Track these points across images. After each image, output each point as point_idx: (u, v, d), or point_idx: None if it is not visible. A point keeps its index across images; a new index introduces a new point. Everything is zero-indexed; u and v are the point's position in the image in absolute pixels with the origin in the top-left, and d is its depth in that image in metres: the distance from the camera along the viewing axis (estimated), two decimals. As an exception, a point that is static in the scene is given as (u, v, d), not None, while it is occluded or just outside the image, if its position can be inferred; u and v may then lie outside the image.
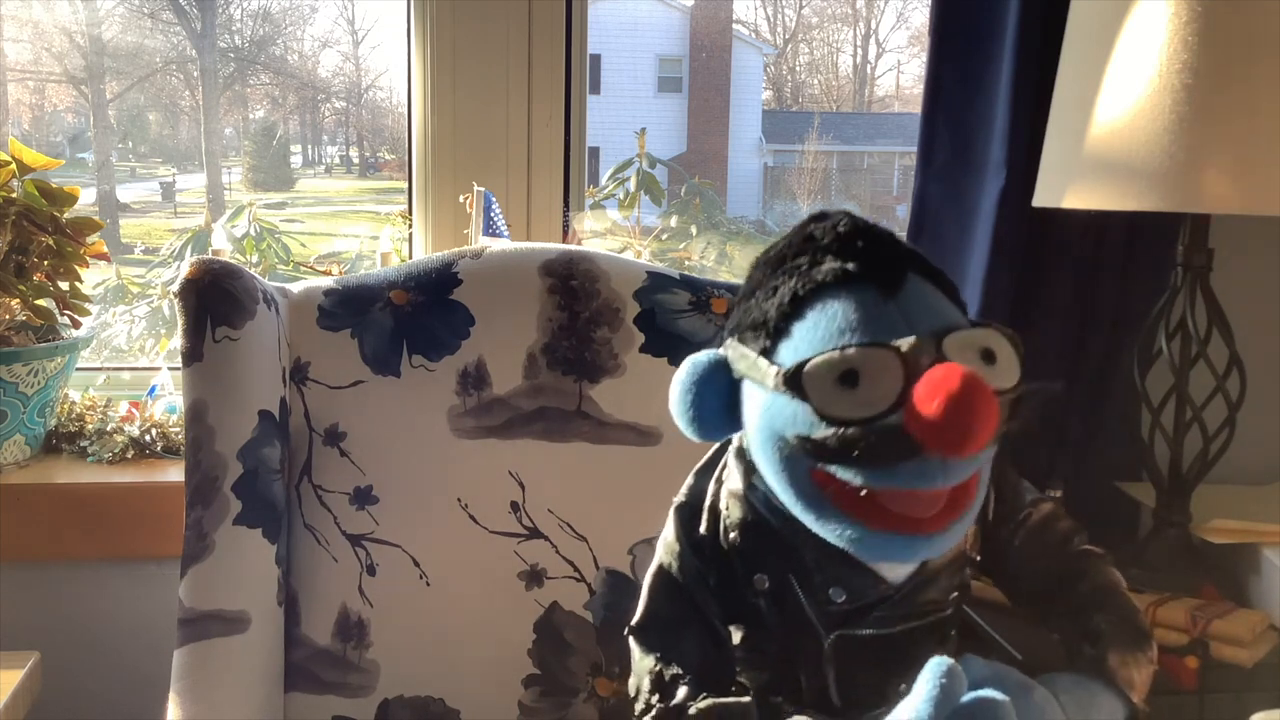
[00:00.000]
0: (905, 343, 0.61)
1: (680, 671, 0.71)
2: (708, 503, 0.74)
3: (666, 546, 0.76)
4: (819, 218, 0.69)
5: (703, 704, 0.69)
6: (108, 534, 1.23)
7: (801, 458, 0.63)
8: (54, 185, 1.22)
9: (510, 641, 1.00)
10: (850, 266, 0.65)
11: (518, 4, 1.34)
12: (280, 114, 2.07)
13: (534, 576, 1.01)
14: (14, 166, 1.19)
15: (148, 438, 1.30)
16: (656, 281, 1.05)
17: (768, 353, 0.66)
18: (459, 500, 1.00)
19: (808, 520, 0.66)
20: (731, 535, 0.72)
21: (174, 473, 1.26)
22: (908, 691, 0.70)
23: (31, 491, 1.22)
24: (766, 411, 0.65)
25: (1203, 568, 1.16)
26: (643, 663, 0.74)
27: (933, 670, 0.58)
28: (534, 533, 1.01)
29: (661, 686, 0.72)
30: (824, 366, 0.61)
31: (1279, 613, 1.09)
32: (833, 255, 0.66)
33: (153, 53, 1.75)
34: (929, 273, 0.67)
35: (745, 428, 0.68)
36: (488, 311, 1.02)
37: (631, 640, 0.76)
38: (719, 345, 0.71)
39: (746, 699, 0.70)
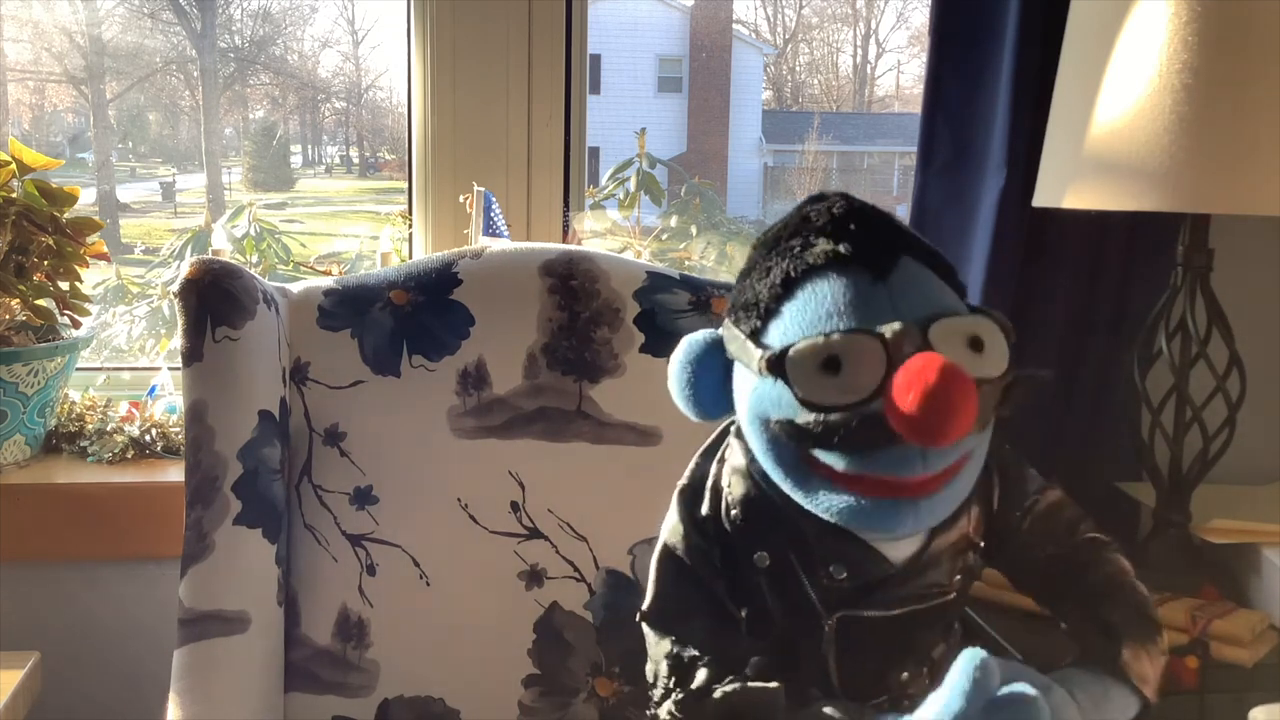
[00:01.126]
0: (889, 329, 0.61)
1: (698, 654, 0.70)
2: (709, 483, 0.74)
3: (670, 529, 0.76)
4: (816, 199, 0.69)
5: (729, 687, 0.68)
6: (108, 534, 1.23)
7: (787, 441, 0.63)
8: (54, 185, 1.22)
9: (510, 641, 1.00)
10: (842, 248, 0.64)
11: (518, 4, 1.34)
12: (280, 114, 2.07)
13: (534, 576, 1.01)
14: (14, 166, 1.19)
15: (148, 438, 1.30)
16: (656, 281, 1.05)
17: (757, 334, 0.66)
18: (459, 500, 1.00)
19: (798, 497, 0.66)
20: (733, 512, 0.72)
21: (174, 473, 1.26)
22: (910, 680, 0.70)
23: (31, 491, 1.22)
24: (754, 394, 0.66)
25: (1203, 568, 1.16)
26: (658, 647, 0.73)
27: (966, 662, 0.57)
28: (534, 533, 1.01)
29: (680, 669, 0.70)
30: (807, 352, 0.62)
31: (1279, 613, 1.09)
32: (826, 237, 0.65)
33: (153, 53, 1.75)
34: (927, 256, 0.67)
35: (736, 407, 0.69)
36: (488, 311, 1.02)
37: (644, 626, 0.74)
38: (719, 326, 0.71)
39: (774, 685, 0.68)
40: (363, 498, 1.00)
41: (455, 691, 0.99)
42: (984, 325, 0.64)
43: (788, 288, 0.65)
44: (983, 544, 0.74)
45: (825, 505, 0.64)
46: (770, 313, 0.66)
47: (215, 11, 1.81)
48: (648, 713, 0.73)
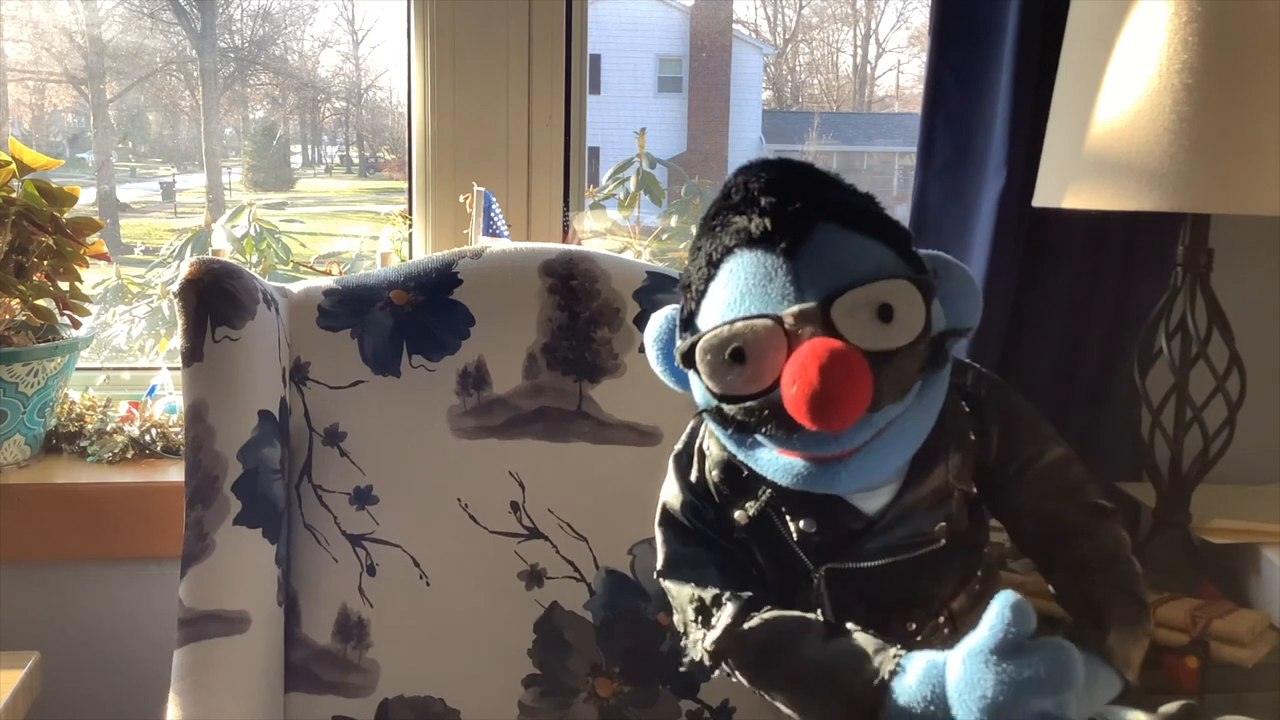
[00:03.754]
0: (789, 314, 0.60)
1: (719, 590, 0.71)
2: (696, 445, 0.76)
3: (667, 492, 0.78)
4: (742, 170, 0.68)
5: (767, 614, 0.69)
6: (108, 534, 1.23)
7: (718, 425, 0.66)
8: (54, 185, 1.22)
9: (510, 641, 1.00)
10: (753, 227, 0.64)
11: (518, 4, 1.34)
12: (280, 114, 2.07)
13: (534, 576, 1.01)
14: (14, 166, 1.19)
15: (148, 438, 1.30)
16: (656, 281, 1.04)
17: (693, 317, 0.67)
18: (459, 500, 1.00)
19: (750, 465, 0.67)
20: (713, 474, 0.74)
21: (174, 473, 1.26)
22: (919, 630, 0.71)
23: (31, 491, 1.22)
24: (692, 377, 0.68)
25: (1203, 568, 1.16)
26: (680, 594, 0.74)
27: (1000, 603, 0.58)
28: (534, 533, 1.01)
29: (703, 609, 0.71)
30: (714, 343, 0.63)
31: (1279, 613, 1.09)
32: (741, 214, 0.65)
33: (153, 53, 1.75)
34: (853, 218, 0.65)
35: None
36: (488, 311, 1.02)
37: (663, 581, 0.76)
38: None
39: (810, 614, 0.69)
40: (363, 498, 1.00)
41: (455, 691, 0.99)
42: (896, 289, 0.62)
43: (712, 268, 0.65)
44: (974, 490, 0.74)
45: (772, 471, 0.66)
46: (701, 294, 0.66)
47: (215, 11, 1.80)
48: (683, 659, 0.73)
